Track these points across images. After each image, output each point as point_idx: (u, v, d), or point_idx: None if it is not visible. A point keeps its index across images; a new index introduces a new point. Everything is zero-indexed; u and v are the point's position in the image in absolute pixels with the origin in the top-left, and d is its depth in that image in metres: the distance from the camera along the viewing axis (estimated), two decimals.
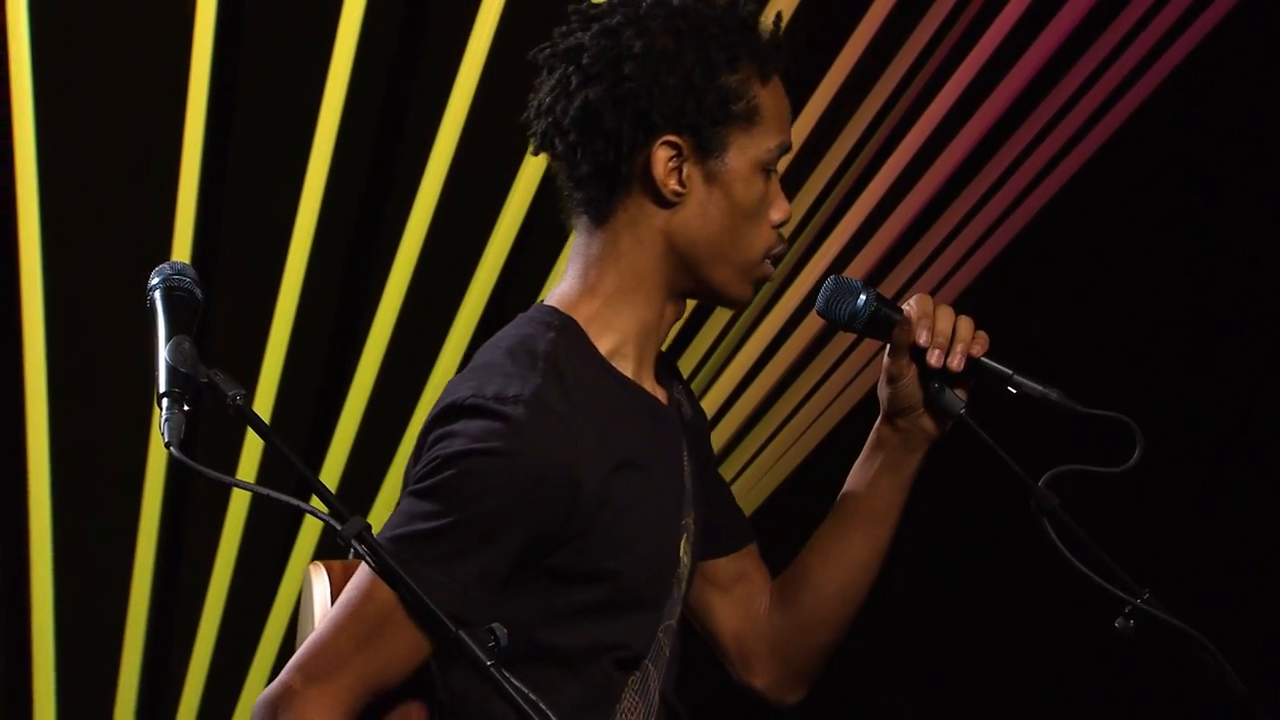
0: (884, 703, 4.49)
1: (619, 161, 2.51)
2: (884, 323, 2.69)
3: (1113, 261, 4.49)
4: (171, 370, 2.44)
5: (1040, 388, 2.69)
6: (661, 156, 2.51)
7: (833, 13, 4.23)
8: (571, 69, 2.53)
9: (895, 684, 4.46)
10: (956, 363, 2.61)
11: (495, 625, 2.36)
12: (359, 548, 2.37)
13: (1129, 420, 2.69)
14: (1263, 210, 4.53)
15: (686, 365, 4.24)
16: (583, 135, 2.52)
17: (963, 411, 2.68)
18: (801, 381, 4.31)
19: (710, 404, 4.23)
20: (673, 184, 2.52)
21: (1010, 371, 2.70)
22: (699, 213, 2.53)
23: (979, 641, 4.49)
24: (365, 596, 2.43)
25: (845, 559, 2.71)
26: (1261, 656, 3.62)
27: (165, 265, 2.55)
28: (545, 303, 2.59)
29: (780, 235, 2.57)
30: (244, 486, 2.45)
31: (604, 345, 2.55)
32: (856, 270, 4.28)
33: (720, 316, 4.27)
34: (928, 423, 2.68)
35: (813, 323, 4.27)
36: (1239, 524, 4.53)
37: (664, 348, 2.64)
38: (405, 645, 2.42)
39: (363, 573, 2.46)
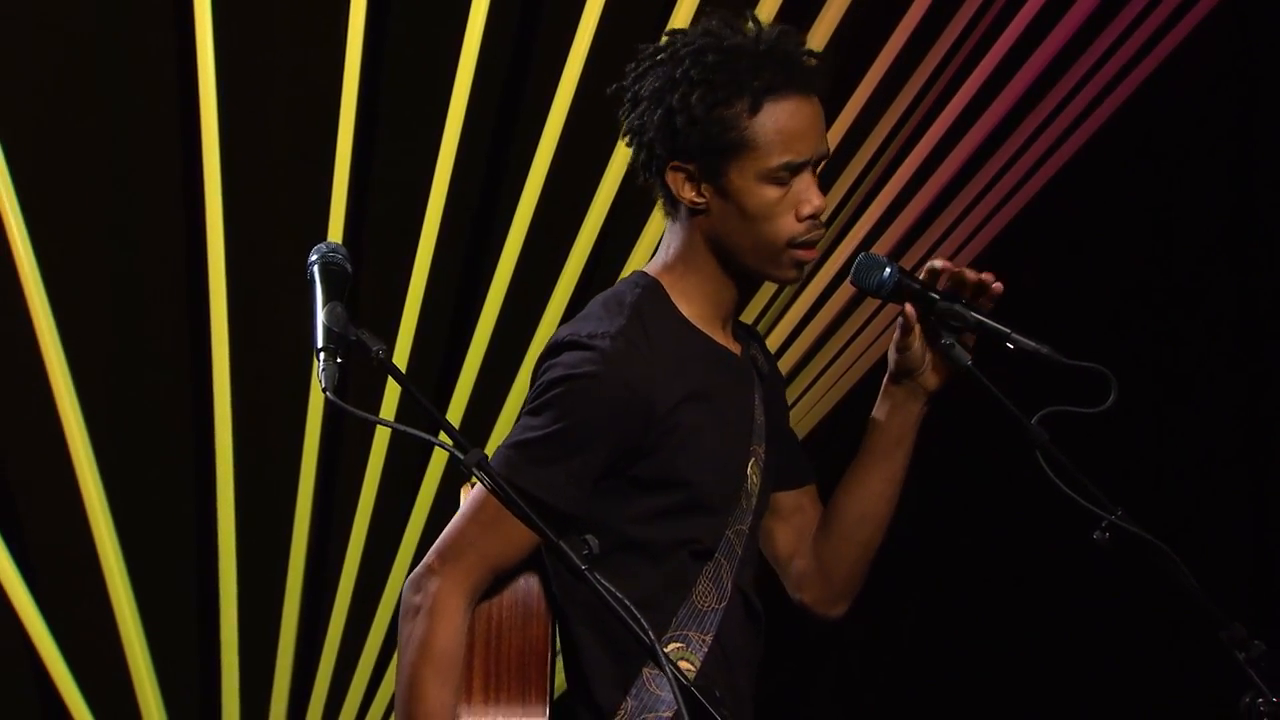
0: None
1: (654, 180, 2.60)
2: (905, 290, 2.70)
3: (1093, 245, 4.45)
4: (327, 330, 2.45)
5: (1033, 343, 2.68)
6: (675, 179, 2.57)
7: (854, 40, 4.20)
8: (624, 105, 2.62)
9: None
10: (989, 278, 2.65)
11: (589, 536, 2.38)
12: (478, 473, 2.37)
13: (1106, 370, 2.67)
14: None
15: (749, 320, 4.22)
16: (634, 157, 2.61)
17: (969, 363, 2.67)
18: (836, 339, 4.29)
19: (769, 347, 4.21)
20: (690, 197, 2.57)
21: (1008, 330, 2.69)
22: (721, 218, 2.58)
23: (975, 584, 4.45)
24: (487, 493, 2.51)
25: (865, 488, 2.73)
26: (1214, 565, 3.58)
27: (322, 245, 2.55)
28: (640, 270, 2.65)
29: (812, 224, 2.57)
30: (385, 424, 2.47)
31: (682, 306, 2.60)
32: (882, 247, 4.24)
33: (770, 285, 4.24)
34: (928, 379, 2.70)
35: (845, 291, 4.24)
36: (1198, 458, 4.49)
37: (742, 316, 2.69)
38: (518, 533, 2.49)
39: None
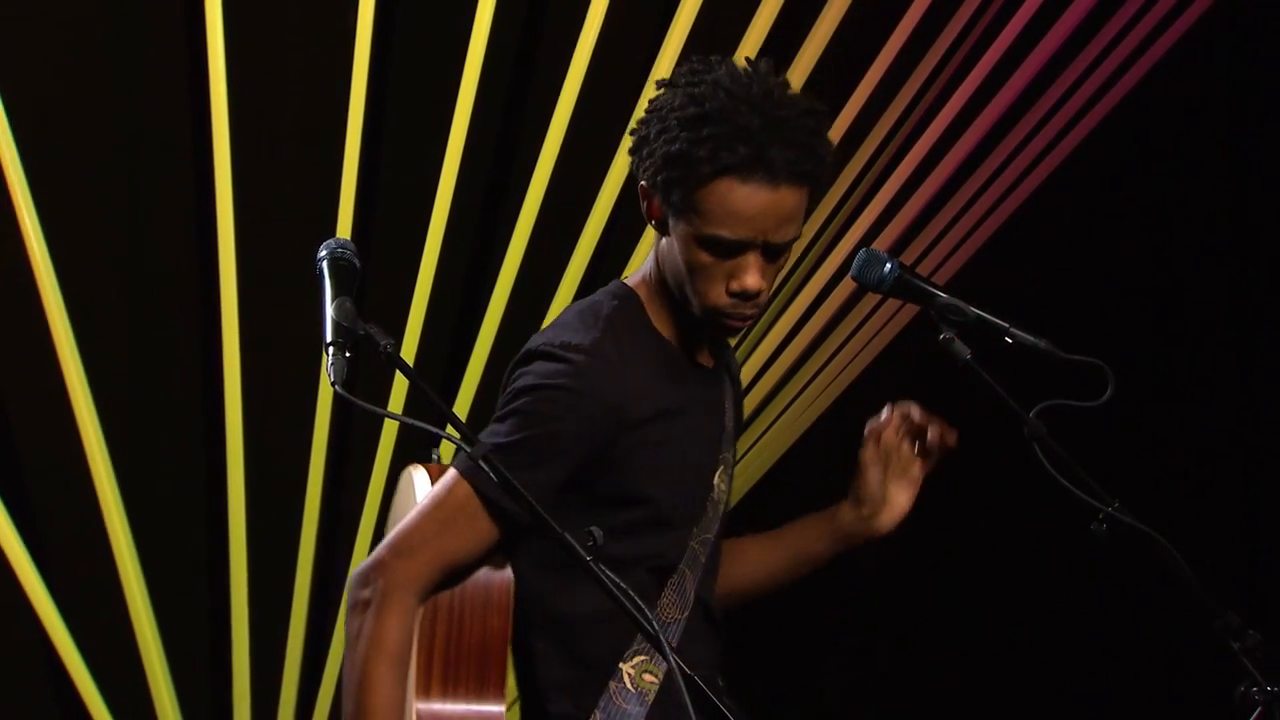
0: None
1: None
2: (905, 286, 2.69)
3: (1089, 242, 4.45)
4: (335, 324, 2.45)
5: (1031, 338, 2.68)
6: (645, 196, 2.57)
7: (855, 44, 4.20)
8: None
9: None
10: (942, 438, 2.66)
11: (594, 529, 2.36)
12: (484, 466, 2.37)
13: (1103, 364, 2.66)
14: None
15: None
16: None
17: (968, 356, 2.67)
18: (837, 333, 4.29)
19: (767, 346, 4.21)
20: (654, 217, 2.57)
21: (1007, 325, 2.69)
22: (669, 248, 2.57)
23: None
24: (447, 491, 2.49)
25: (765, 571, 2.75)
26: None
27: (331, 240, 2.55)
28: (621, 280, 2.64)
29: (739, 302, 2.53)
30: (392, 417, 2.46)
31: (656, 318, 2.58)
32: (882, 244, 4.24)
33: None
34: (880, 521, 2.68)
35: (846, 286, 4.23)
36: (1187, 452, 4.48)
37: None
38: (476, 533, 2.47)
39: (448, 474, 2.51)
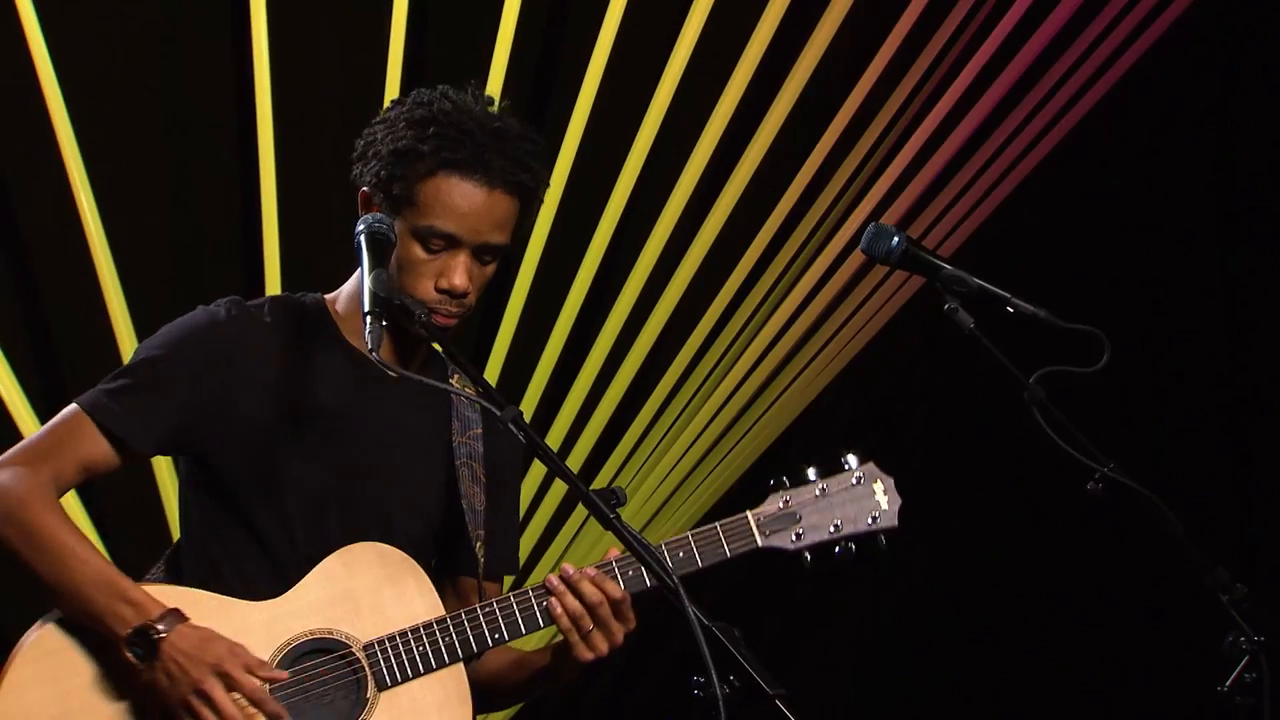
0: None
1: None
2: (912, 259, 2.70)
3: (1086, 216, 4.45)
4: (373, 294, 2.47)
5: (1031, 307, 2.69)
6: (362, 199, 2.62)
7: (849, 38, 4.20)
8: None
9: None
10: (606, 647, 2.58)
11: (617, 488, 2.39)
12: (512, 428, 2.39)
13: (1099, 332, 2.67)
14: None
15: (761, 290, 4.23)
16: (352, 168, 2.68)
17: (972, 325, 2.68)
18: (847, 304, 4.29)
19: (781, 316, 4.21)
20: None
21: (1009, 295, 2.69)
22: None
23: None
24: (60, 420, 2.57)
25: (502, 686, 2.69)
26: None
27: (368, 216, 2.57)
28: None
29: (447, 299, 2.58)
30: (426, 382, 2.48)
31: (344, 327, 2.67)
32: (890, 217, 4.24)
33: (786, 254, 4.25)
34: (564, 674, 2.63)
35: (855, 259, 4.24)
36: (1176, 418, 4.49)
37: None
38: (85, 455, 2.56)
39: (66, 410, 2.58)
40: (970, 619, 4.41)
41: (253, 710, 2.46)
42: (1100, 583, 4.39)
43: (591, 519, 3.94)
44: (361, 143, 2.63)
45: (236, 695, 2.46)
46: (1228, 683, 2.61)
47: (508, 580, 2.75)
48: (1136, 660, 4.38)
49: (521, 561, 2.78)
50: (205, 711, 2.44)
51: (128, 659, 2.46)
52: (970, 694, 4.41)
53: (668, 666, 4.23)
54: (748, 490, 2.77)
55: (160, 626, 2.45)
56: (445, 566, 2.69)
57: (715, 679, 2.21)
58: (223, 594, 2.53)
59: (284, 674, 2.48)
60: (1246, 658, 2.61)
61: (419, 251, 2.57)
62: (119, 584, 2.47)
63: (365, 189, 2.62)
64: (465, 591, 2.69)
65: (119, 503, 3.84)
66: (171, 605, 2.48)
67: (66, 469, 2.54)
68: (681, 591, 2.26)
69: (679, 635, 2.46)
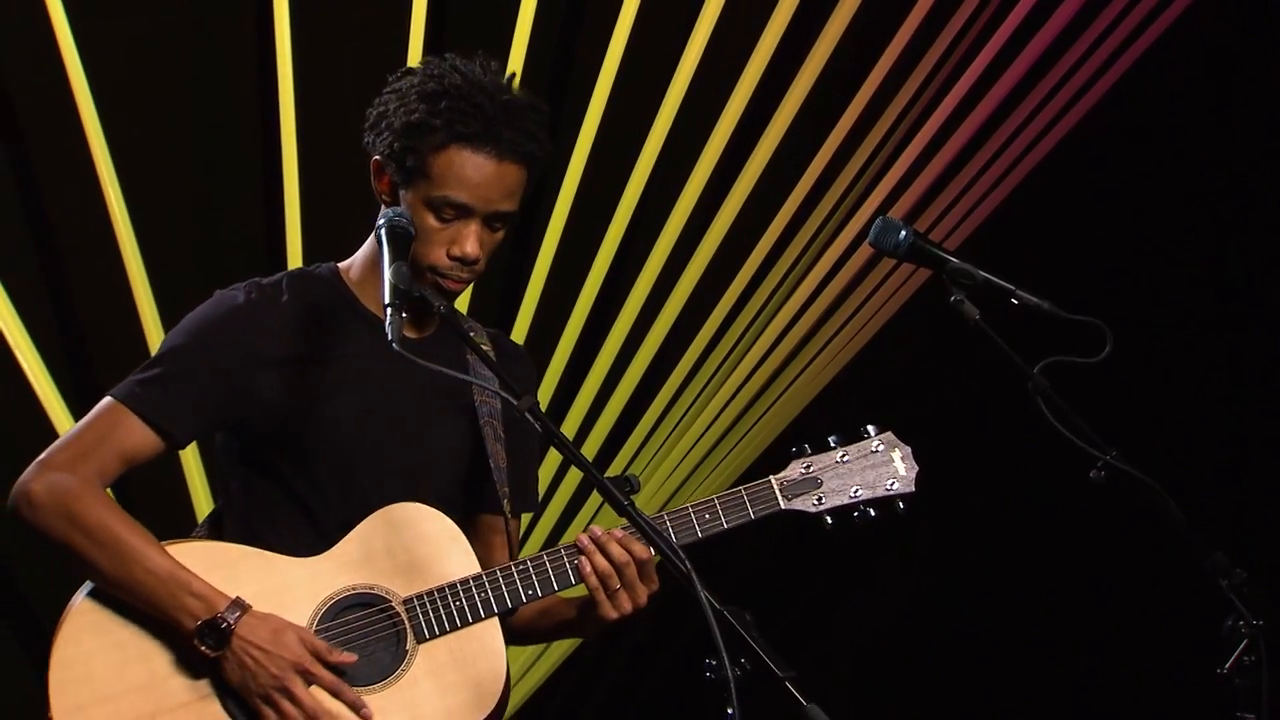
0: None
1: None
2: (919, 252, 2.70)
3: (1090, 211, 4.44)
4: (393, 286, 2.48)
5: (1035, 299, 2.69)
6: (374, 169, 2.66)
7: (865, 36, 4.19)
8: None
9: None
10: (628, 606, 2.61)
11: (631, 475, 2.41)
12: (528, 417, 2.40)
13: (1102, 323, 2.68)
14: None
15: (773, 281, 4.23)
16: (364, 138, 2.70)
17: (978, 316, 2.68)
18: (855, 295, 4.30)
19: (791, 307, 4.21)
20: (378, 189, 2.65)
21: (1013, 287, 2.70)
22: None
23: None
24: (97, 414, 2.59)
25: (531, 631, 2.74)
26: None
27: (388, 209, 2.58)
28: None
29: (458, 265, 2.62)
30: (445, 372, 2.49)
31: (360, 293, 2.69)
32: (898, 211, 4.24)
33: (796, 246, 4.25)
34: (588, 629, 2.67)
35: (864, 252, 4.24)
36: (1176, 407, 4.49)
37: None
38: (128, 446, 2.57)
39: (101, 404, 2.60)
40: (975, 605, 4.41)
41: (331, 702, 2.51)
42: (1103, 569, 4.39)
43: (606, 505, 3.95)
44: (373, 111, 2.65)
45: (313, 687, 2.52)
46: (1227, 665, 2.62)
47: (525, 518, 2.78)
48: (1138, 644, 4.38)
49: (540, 539, 2.75)
50: (289, 708, 2.49)
51: (200, 650, 2.50)
52: (973, 676, 4.41)
53: (677, 652, 4.24)
54: (759, 475, 2.78)
55: (229, 618, 2.49)
56: (470, 508, 2.73)
57: (727, 661, 2.22)
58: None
59: (353, 657, 2.53)
60: (1245, 641, 2.62)
61: (432, 220, 2.61)
62: (182, 577, 2.51)
63: (377, 158, 2.64)
64: (484, 531, 2.72)
65: (142, 478, 3.86)
66: (219, 563, 2.53)
67: (110, 462, 2.57)
68: (693, 575, 2.28)
69: (691, 621, 2.48)
